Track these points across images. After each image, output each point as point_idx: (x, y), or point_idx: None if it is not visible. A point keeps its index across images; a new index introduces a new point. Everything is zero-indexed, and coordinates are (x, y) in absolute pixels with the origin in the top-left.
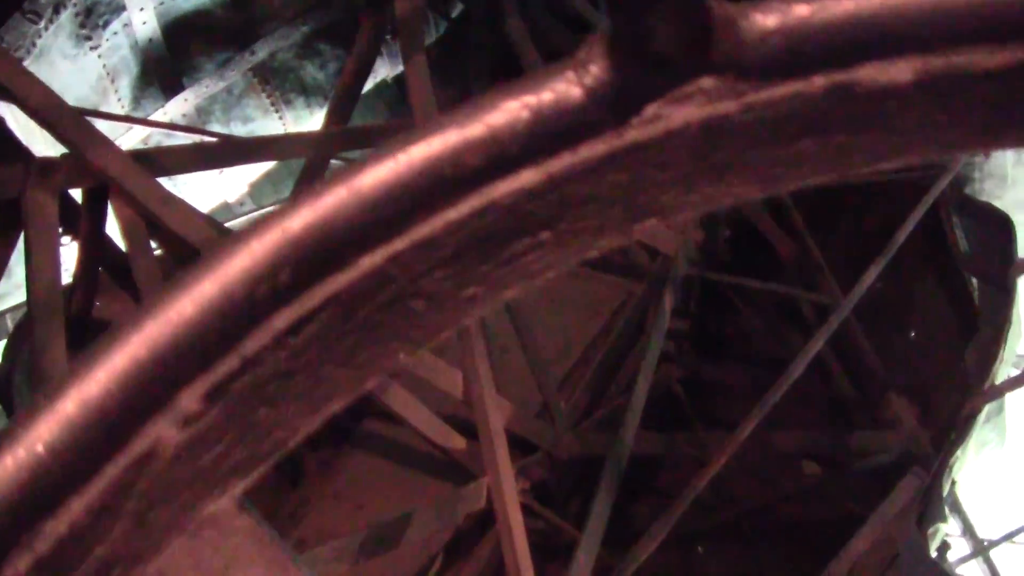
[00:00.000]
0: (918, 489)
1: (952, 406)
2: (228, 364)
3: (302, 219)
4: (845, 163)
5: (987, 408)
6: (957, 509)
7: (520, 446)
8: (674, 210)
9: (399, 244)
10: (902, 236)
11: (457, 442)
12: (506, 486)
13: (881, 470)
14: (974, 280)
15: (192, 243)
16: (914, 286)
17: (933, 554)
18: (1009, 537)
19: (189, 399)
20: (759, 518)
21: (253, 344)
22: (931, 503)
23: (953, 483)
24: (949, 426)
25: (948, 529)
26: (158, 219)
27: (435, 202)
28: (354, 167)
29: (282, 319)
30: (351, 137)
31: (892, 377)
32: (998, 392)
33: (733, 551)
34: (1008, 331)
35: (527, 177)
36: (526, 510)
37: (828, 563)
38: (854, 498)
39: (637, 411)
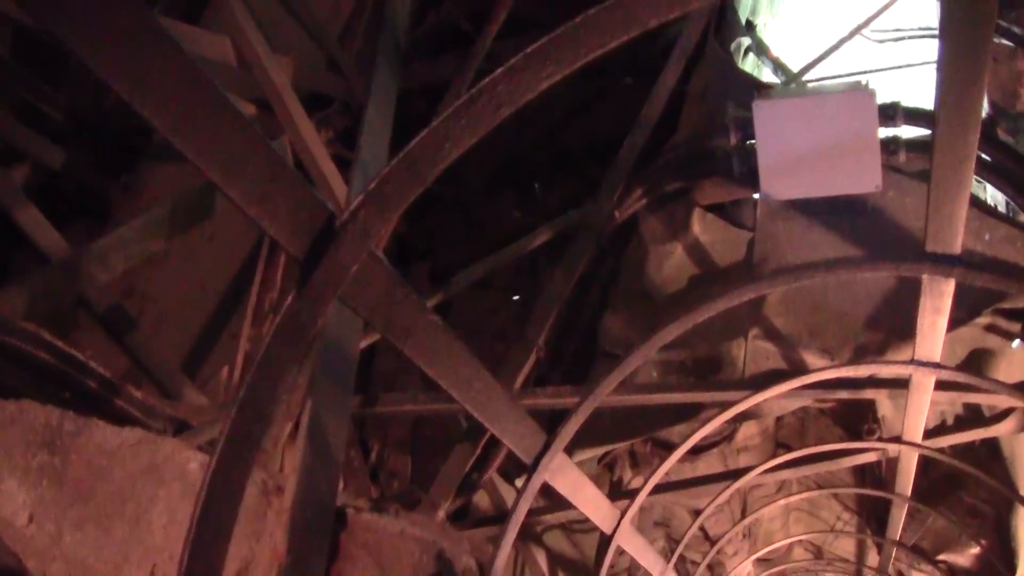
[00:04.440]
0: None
1: None
2: None
3: None
4: None
5: None
6: (763, 52)
7: (317, 103)
8: None
9: None
10: None
11: (246, 108)
12: (306, 133)
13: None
14: None
15: None
16: None
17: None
18: (816, 63)
19: None
20: (582, 139)
21: None
22: (725, 19)
23: (753, 26)
24: None
25: (764, 76)
26: None
27: None
28: None
29: None
30: None
31: None
32: None
33: (569, 182)
34: None
35: None
36: (340, 160)
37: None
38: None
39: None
